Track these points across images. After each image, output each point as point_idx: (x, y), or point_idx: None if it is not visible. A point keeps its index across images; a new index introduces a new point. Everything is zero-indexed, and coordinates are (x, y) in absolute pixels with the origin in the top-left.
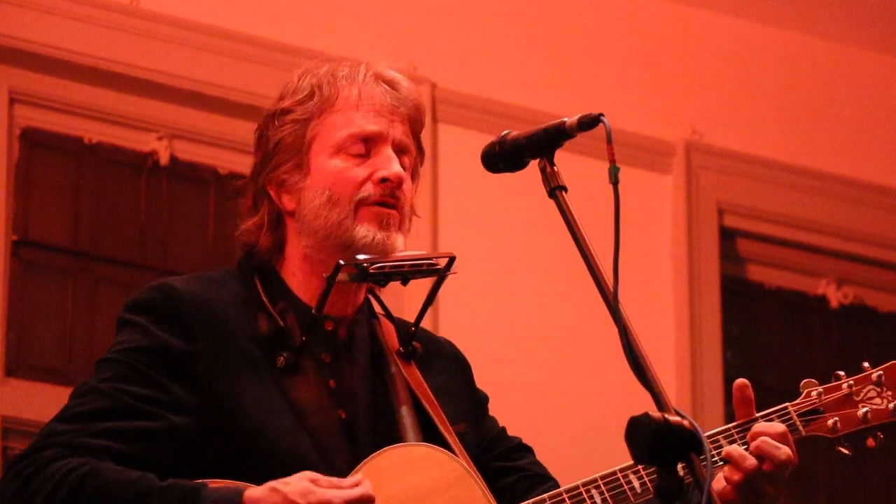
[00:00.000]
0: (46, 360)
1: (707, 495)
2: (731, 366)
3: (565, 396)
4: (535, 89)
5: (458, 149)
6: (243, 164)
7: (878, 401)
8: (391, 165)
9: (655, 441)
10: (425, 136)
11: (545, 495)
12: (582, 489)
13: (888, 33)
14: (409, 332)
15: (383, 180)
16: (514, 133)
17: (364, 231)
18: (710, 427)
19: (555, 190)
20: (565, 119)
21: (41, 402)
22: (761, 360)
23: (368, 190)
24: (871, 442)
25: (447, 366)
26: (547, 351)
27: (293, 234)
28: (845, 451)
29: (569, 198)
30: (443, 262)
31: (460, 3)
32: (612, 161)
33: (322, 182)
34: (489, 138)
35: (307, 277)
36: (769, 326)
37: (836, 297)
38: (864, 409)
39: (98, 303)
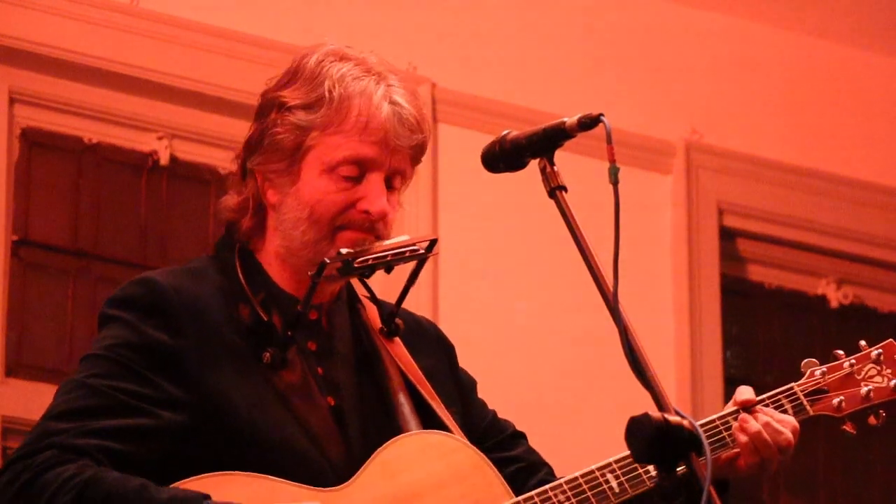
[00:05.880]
0: (46, 360)
1: (707, 495)
2: (731, 366)
3: (565, 396)
4: (535, 89)
5: (458, 149)
6: None
7: (878, 379)
8: (377, 201)
9: (655, 441)
10: None
11: (562, 480)
12: (597, 472)
13: (888, 34)
14: (391, 312)
15: (366, 212)
16: (514, 133)
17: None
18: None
19: (555, 190)
20: (565, 119)
21: (41, 402)
22: (761, 360)
23: (349, 217)
24: (872, 420)
25: (432, 349)
26: (547, 350)
27: (272, 226)
28: (850, 431)
29: (569, 198)
30: (424, 246)
31: (460, 3)
32: (612, 161)
33: (307, 196)
34: (489, 138)
35: (283, 268)
36: (769, 326)
37: (836, 297)
38: (867, 388)
39: (98, 303)
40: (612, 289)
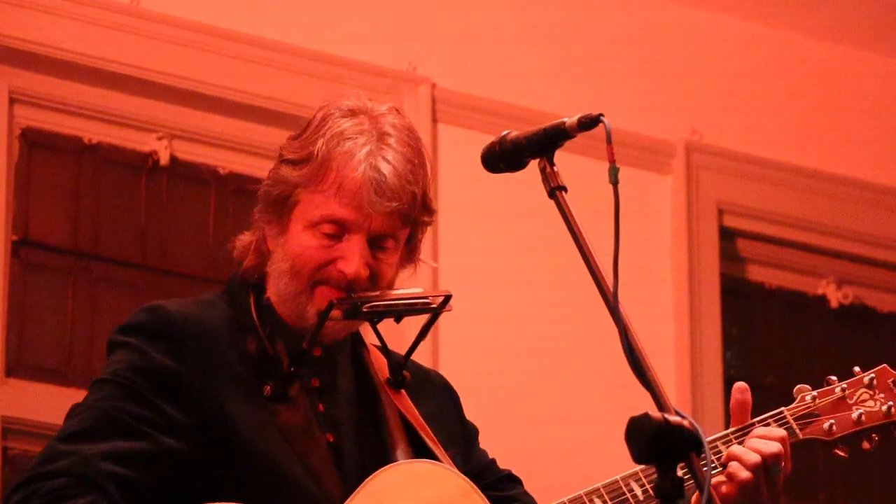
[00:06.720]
0: (46, 360)
1: (707, 495)
2: (731, 366)
3: (564, 394)
4: (535, 89)
5: (458, 149)
6: (243, 164)
7: (870, 403)
8: (352, 263)
9: (655, 441)
10: (425, 137)
11: None
12: (584, 497)
13: (888, 34)
14: (400, 364)
15: (342, 272)
16: (514, 133)
17: (315, 311)
18: (710, 428)
19: (555, 190)
20: (565, 119)
21: (41, 402)
22: (761, 360)
23: (328, 273)
24: (866, 444)
25: (436, 395)
26: (546, 350)
27: (269, 272)
28: (842, 454)
29: (569, 198)
30: (438, 301)
31: (460, 4)
32: (612, 161)
33: (291, 249)
34: (489, 138)
35: (286, 307)
36: (769, 326)
37: (836, 297)
38: (858, 412)
39: (98, 303)
40: (612, 289)
